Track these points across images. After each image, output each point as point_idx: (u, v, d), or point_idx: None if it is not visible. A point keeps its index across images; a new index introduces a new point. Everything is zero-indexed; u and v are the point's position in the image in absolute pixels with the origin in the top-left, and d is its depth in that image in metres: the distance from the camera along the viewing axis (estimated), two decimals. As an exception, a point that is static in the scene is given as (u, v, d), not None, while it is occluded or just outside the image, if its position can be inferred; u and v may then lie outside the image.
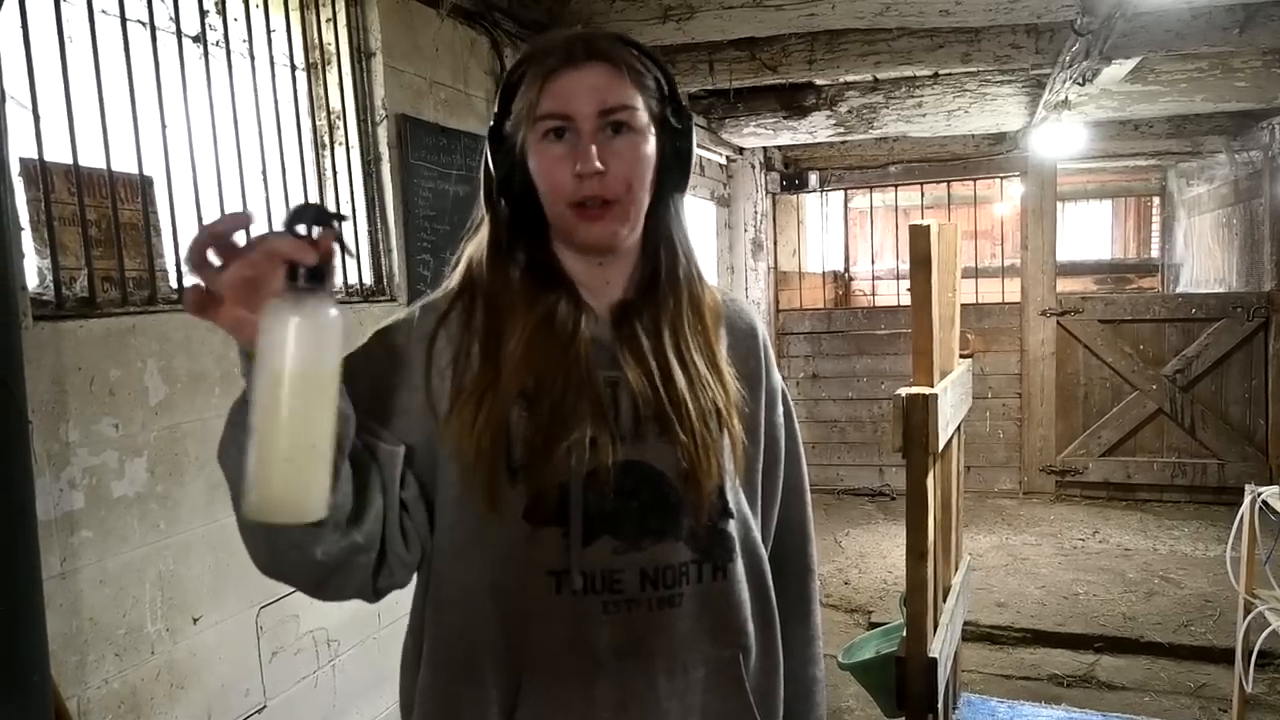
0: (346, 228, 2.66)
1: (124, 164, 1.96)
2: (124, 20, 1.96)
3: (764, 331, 1.16)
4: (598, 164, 0.93)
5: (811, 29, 3.68)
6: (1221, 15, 3.59)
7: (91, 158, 1.89)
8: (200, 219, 2.14)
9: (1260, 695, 3.20)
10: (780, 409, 1.15)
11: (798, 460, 1.19)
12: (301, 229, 0.75)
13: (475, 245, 1.05)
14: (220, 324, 0.77)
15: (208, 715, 2.07)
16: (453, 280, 1.05)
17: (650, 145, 0.98)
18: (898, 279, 6.89)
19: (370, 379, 0.98)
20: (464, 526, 0.98)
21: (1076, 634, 3.94)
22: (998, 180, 6.95)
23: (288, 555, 0.90)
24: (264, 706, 2.22)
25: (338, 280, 2.58)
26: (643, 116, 0.97)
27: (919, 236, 1.92)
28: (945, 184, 6.54)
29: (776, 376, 1.15)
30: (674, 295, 1.03)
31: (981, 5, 3.24)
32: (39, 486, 1.62)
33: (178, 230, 2.08)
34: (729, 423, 1.02)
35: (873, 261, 7.65)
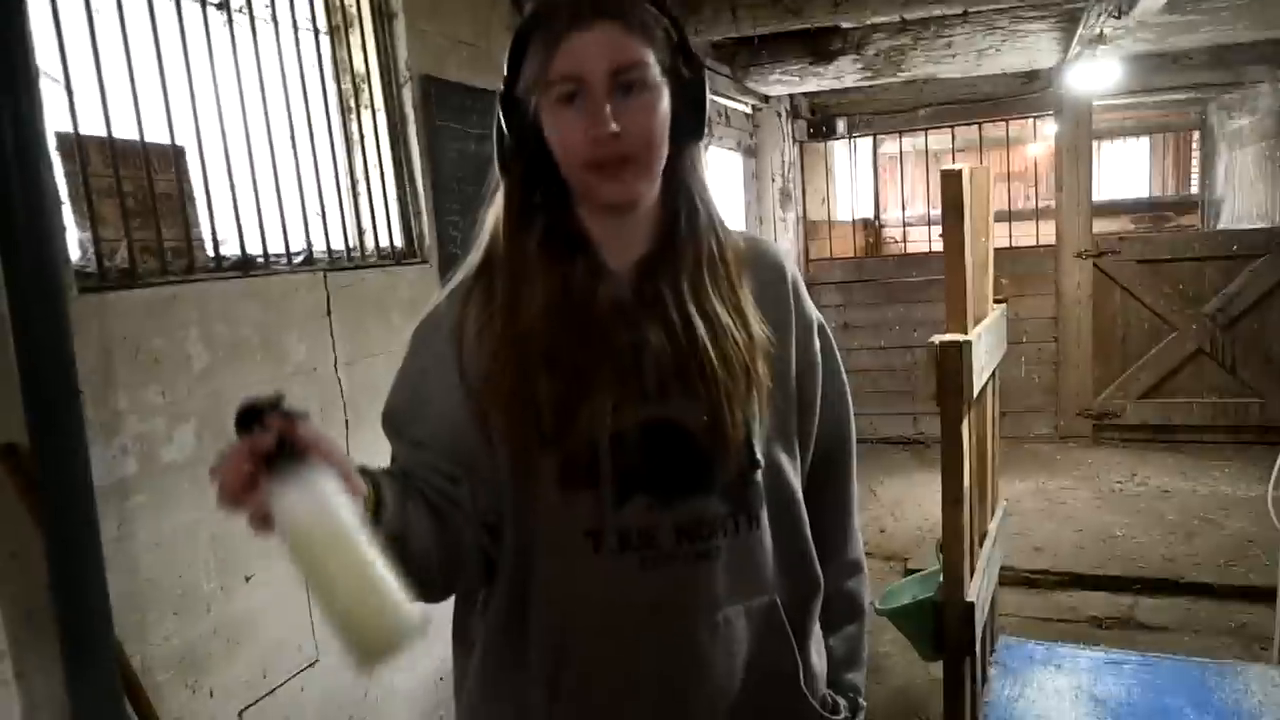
0: (375, 191, 2.67)
1: (155, 135, 1.99)
2: (149, -10, 1.96)
3: (794, 270, 1.15)
4: (613, 125, 0.92)
5: (837, -29, 3.59)
6: (1265, -61, 3.46)
7: (122, 130, 1.91)
8: (233, 187, 2.16)
9: (1302, 633, 3.18)
10: (817, 342, 1.14)
11: (837, 387, 1.17)
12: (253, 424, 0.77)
13: (494, 214, 1.06)
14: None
15: (263, 670, 2.15)
16: (475, 254, 1.07)
17: (664, 99, 0.97)
18: (929, 225, 6.78)
19: (414, 401, 1.04)
20: (507, 494, 1.01)
21: (1115, 576, 3.94)
22: (1031, 120, 6.79)
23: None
24: (315, 661, 2.29)
25: (369, 248, 2.61)
26: (654, 71, 0.96)
27: (951, 182, 1.90)
28: (976, 126, 6.40)
29: (810, 312, 1.14)
30: (694, 246, 1.03)
31: (1013, -62, 3.14)
32: (93, 454, 1.67)
33: (212, 199, 2.11)
34: (754, 370, 1.02)
35: (903, 208, 7.54)
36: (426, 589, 0.95)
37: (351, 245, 2.59)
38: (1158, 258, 5.92)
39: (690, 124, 1.02)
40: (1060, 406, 6.22)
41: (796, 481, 1.11)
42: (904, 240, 7.30)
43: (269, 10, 2.33)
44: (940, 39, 5.10)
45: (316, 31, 2.53)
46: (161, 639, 1.89)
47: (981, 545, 2.20)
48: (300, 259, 2.36)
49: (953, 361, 1.84)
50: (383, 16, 2.67)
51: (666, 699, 1.03)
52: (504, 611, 1.04)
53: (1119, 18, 4.09)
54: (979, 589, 2.02)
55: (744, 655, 1.05)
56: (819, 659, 1.14)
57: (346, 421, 2.43)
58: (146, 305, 1.90)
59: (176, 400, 1.95)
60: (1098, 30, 4.48)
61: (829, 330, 1.18)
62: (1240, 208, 7.20)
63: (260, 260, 2.24)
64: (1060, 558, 4.16)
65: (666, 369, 0.99)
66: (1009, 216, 6.11)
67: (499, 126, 1.03)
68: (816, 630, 1.15)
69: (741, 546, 1.03)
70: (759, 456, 1.04)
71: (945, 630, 1.93)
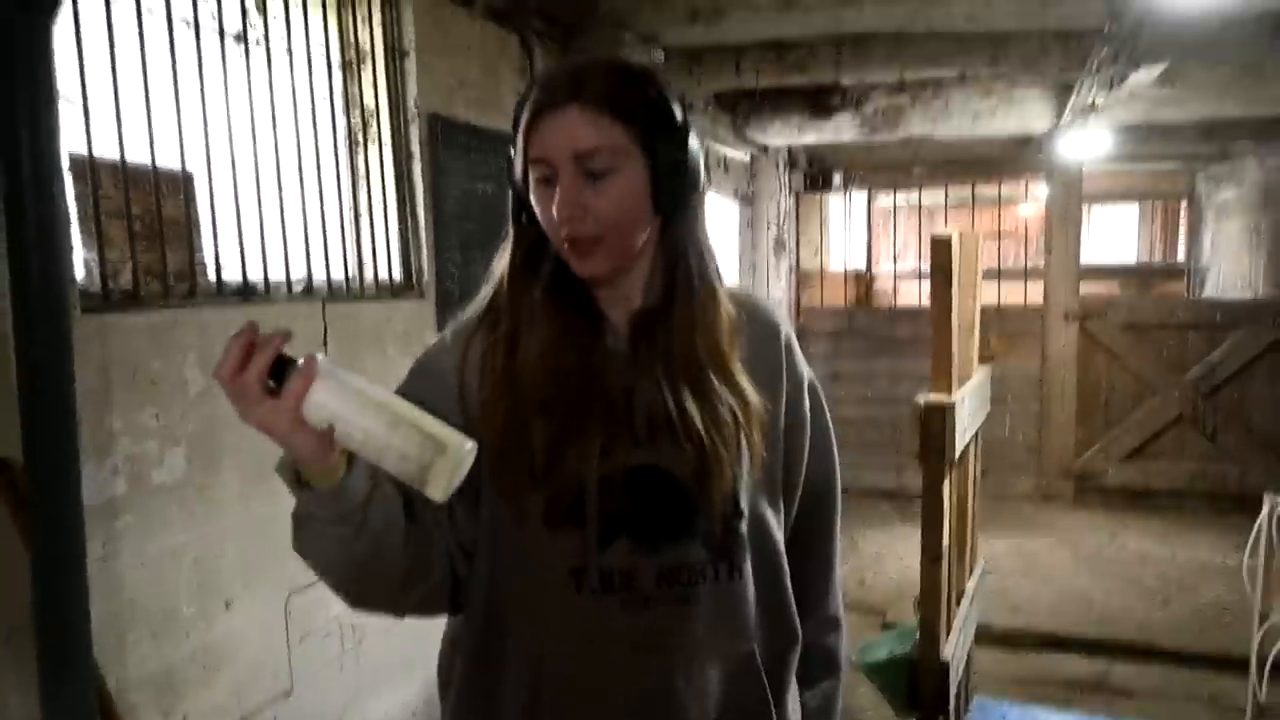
0: (378, 224, 2.71)
1: (165, 160, 2.02)
2: (170, 19, 2.01)
3: (787, 328, 1.18)
4: (569, 210, 0.96)
5: (839, 31, 3.69)
6: (1252, 24, 3.57)
7: (133, 153, 1.95)
8: (239, 214, 2.20)
9: (1275, 705, 3.20)
10: (807, 400, 1.17)
11: (826, 445, 1.20)
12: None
13: (501, 261, 1.09)
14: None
15: (237, 697, 2.14)
16: (483, 294, 1.10)
17: (633, 178, 0.99)
18: (919, 279, 6.88)
19: None
20: (494, 528, 1.03)
21: (1091, 640, 3.95)
22: (1023, 181, 6.91)
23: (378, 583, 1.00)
24: (290, 690, 2.28)
25: (368, 280, 2.64)
26: (623, 152, 0.97)
27: (940, 249, 1.95)
28: (970, 185, 6.52)
29: (801, 369, 1.17)
30: (686, 309, 1.05)
31: (1011, 10, 3.25)
32: (84, 473, 1.68)
33: (217, 225, 2.14)
34: (745, 428, 1.04)
35: (895, 261, 7.64)
36: (386, 573, 0.98)
37: (351, 276, 2.63)
38: (1143, 323, 6.01)
39: (677, 191, 1.02)
40: (1042, 466, 6.26)
41: (779, 534, 1.14)
42: (895, 293, 7.38)
43: (285, 43, 2.38)
44: (937, 100, 5.21)
45: (330, 66, 2.59)
46: (139, 661, 1.89)
47: (959, 603, 2.22)
48: (300, 288, 2.39)
49: (936, 423, 1.87)
50: (395, 54, 2.73)
51: None
52: (480, 643, 1.06)
53: (1111, 89, 4.20)
54: (954, 648, 2.04)
55: (718, 703, 1.07)
56: (794, 712, 1.16)
57: (336, 450, 2.44)
58: (147, 328, 1.92)
59: (170, 424, 1.97)
60: (1090, 100, 4.60)
61: (819, 387, 1.22)
62: (1225, 277, 7.33)
63: (261, 288, 2.27)
64: (1037, 618, 4.17)
65: (658, 417, 1.02)
66: (998, 275, 6.20)
67: (513, 180, 1.06)
68: (793, 683, 1.17)
69: (722, 594, 1.05)
70: (743, 507, 1.06)
71: (920, 688, 1.95)
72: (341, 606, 2.49)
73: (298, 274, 2.39)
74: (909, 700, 1.99)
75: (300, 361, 0.84)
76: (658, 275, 1.07)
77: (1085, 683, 3.66)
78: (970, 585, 2.36)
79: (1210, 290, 7.53)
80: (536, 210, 1.01)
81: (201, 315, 2.06)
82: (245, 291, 2.21)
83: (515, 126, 1.03)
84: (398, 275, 2.79)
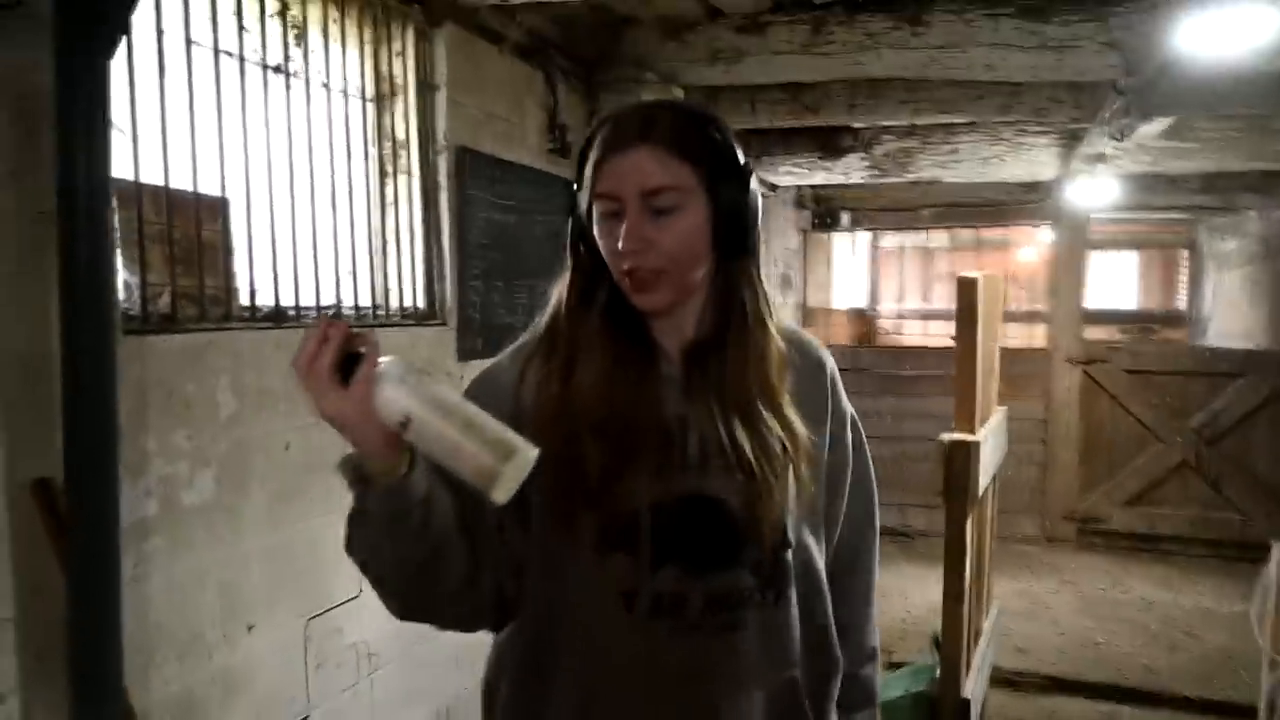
0: (405, 252, 2.76)
1: (204, 186, 2.06)
2: (216, 52, 2.06)
3: (832, 364, 1.23)
4: (635, 244, 1.01)
5: (856, 76, 3.76)
6: (1261, 80, 3.65)
7: (172, 179, 1.98)
8: (274, 241, 2.24)
9: (1283, 755, 3.19)
10: (849, 434, 1.22)
11: (866, 480, 1.25)
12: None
13: (560, 289, 1.14)
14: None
15: (256, 722, 2.14)
16: (541, 321, 1.14)
17: (696, 216, 1.04)
18: (924, 320, 6.93)
19: None
20: (545, 548, 1.06)
21: (1097, 683, 3.95)
22: (1028, 226, 7.00)
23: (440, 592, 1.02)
24: (308, 716, 2.28)
25: (393, 307, 2.68)
26: (688, 191, 1.02)
27: (966, 289, 1.99)
28: (976, 228, 6.60)
29: (845, 405, 1.22)
30: (739, 342, 1.09)
31: (1027, 63, 3.32)
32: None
33: (253, 251, 2.18)
34: (794, 459, 1.08)
35: (900, 300, 7.70)
36: (438, 579, 1.00)
37: (378, 303, 2.66)
38: (1146, 369, 6.05)
39: (735, 232, 1.07)
40: (1046, 508, 6.27)
41: (821, 563, 1.17)
42: (898, 331, 7.44)
43: (324, 77, 2.43)
44: (947, 145, 5.30)
45: (364, 99, 2.64)
46: (162, 683, 1.89)
47: (976, 643, 2.23)
48: (330, 314, 2.42)
49: (961, 461, 1.90)
50: (426, 88, 2.78)
51: None
52: (529, 660, 1.08)
53: (1120, 140, 4.28)
54: (974, 687, 2.04)
55: None
56: (835, 740, 1.18)
57: (358, 476, 2.45)
58: (184, 350, 1.95)
59: (201, 445, 1.99)
60: (1099, 150, 4.68)
61: (860, 424, 1.25)
62: (1225, 326, 7.39)
63: (291, 313, 2.30)
64: (1043, 661, 4.17)
65: (710, 446, 1.06)
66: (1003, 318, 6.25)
67: (571, 215, 1.11)
68: (834, 712, 1.19)
69: (769, 621, 1.08)
70: (790, 536, 1.09)
71: (940, 727, 1.95)
72: (358, 633, 2.50)
73: (326, 300, 2.43)
74: (928, 740, 2.00)
75: (364, 349, 0.88)
76: (710, 308, 1.11)
77: (1092, 728, 3.65)
78: (986, 625, 2.37)
79: (1211, 339, 7.59)
80: (599, 243, 1.06)
81: (234, 339, 2.08)
82: (277, 315, 2.24)
83: (581, 163, 1.08)
84: (421, 303, 2.82)
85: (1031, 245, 8.88)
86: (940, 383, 5.25)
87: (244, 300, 2.18)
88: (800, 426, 1.11)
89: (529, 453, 0.88)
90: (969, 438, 1.93)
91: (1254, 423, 5.81)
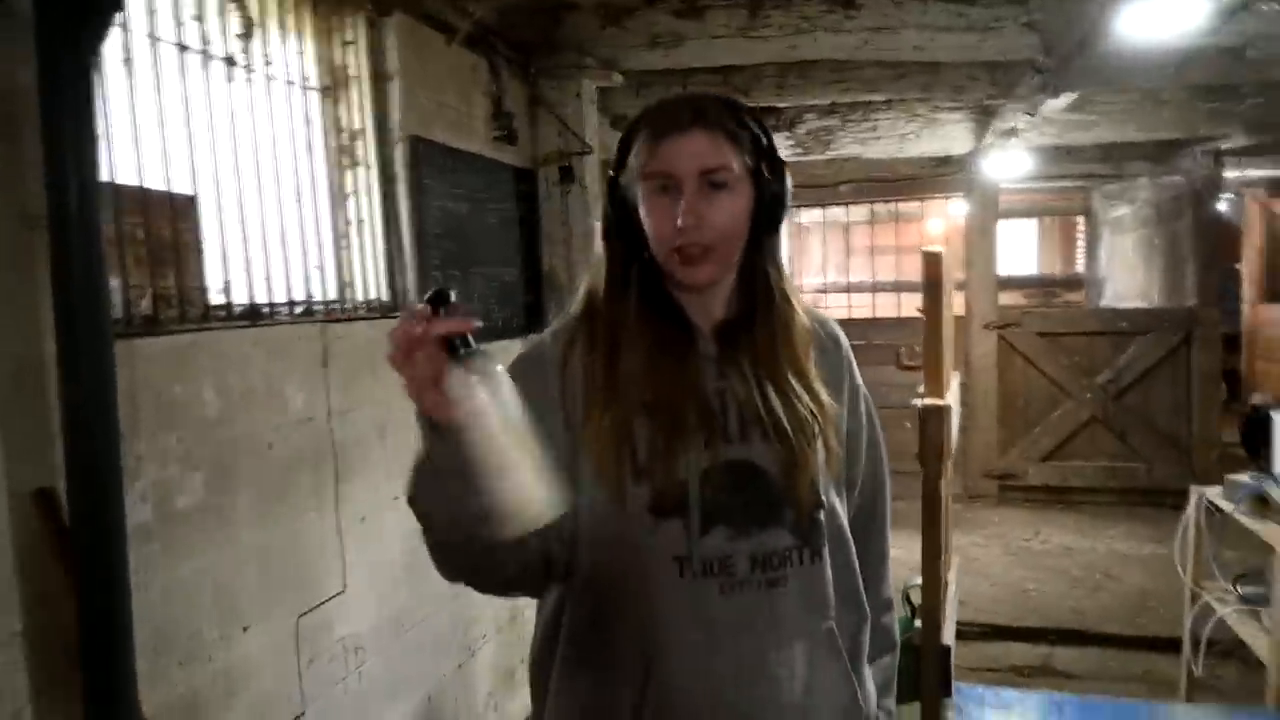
0: (367, 244, 2.74)
1: (173, 185, 2.02)
2: (181, 47, 2.02)
3: (846, 342, 1.32)
4: (694, 219, 1.08)
5: (791, 59, 3.87)
6: (1157, 56, 3.91)
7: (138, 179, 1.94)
8: (246, 237, 2.21)
9: (1202, 678, 3.49)
10: (862, 407, 1.31)
11: (877, 448, 1.34)
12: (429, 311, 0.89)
13: (593, 276, 1.20)
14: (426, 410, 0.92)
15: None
16: (575, 307, 1.20)
17: (743, 197, 1.13)
18: (847, 292, 7.16)
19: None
20: (597, 519, 1.13)
21: (1032, 628, 4.22)
22: (942, 198, 7.29)
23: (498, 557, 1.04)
24: (303, 713, 2.28)
25: (358, 300, 2.67)
26: (737, 173, 1.11)
27: (932, 262, 2.11)
28: (893, 202, 6.84)
29: (859, 379, 1.32)
30: (768, 321, 1.19)
31: (953, 44, 3.48)
32: (118, 500, 1.68)
33: (225, 248, 2.15)
34: (823, 426, 1.17)
35: (823, 275, 7.94)
36: (490, 540, 1.00)
37: (345, 297, 2.64)
38: (1055, 331, 6.42)
39: (769, 217, 1.17)
40: (967, 468, 6.59)
41: (847, 522, 1.26)
42: (823, 305, 7.66)
43: (277, 67, 2.39)
44: (866, 122, 5.48)
45: (320, 90, 2.60)
46: (168, 687, 1.87)
47: (945, 594, 2.38)
48: (301, 310, 2.40)
49: (934, 424, 2.03)
50: (380, 78, 2.76)
51: (741, 714, 1.14)
52: (587, 627, 1.15)
53: (1031, 115, 4.52)
54: (949, 635, 2.19)
55: (805, 675, 1.18)
56: (868, 679, 1.29)
57: (336, 473, 2.45)
58: (169, 352, 1.92)
59: (190, 447, 1.96)
60: (1010, 125, 4.93)
61: (869, 396, 1.35)
62: (1121, 288, 7.87)
63: (266, 310, 2.28)
64: (980, 610, 4.42)
65: (749, 415, 1.14)
66: (915, 288, 6.51)
67: (606, 204, 1.17)
68: (865, 656, 1.29)
69: (807, 576, 1.17)
70: (824, 499, 1.18)
71: (924, 673, 2.09)
72: (345, 627, 2.51)
73: (297, 295, 2.41)
74: (913, 686, 2.13)
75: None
76: (738, 289, 1.19)
77: (1031, 667, 3.91)
78: (951, 577, 2.53)
79: (1108, 300, 8.07)
80: (646, 221, 1.12)
81: (215, 339, 2.06)
82: (252, 313, 2.22)
83: (623, 149, 1.14)
84: (385, 295, 2.81)
85: (939, 217, 9.24)
86: (885, 352, 5.43)
87: (218, 299, 2.15)
88: (826, 397, 1.20)
89: (547, 513, 0.92)
90: (941, 402, 2.06)
91: (1154, 377, 6.23)
